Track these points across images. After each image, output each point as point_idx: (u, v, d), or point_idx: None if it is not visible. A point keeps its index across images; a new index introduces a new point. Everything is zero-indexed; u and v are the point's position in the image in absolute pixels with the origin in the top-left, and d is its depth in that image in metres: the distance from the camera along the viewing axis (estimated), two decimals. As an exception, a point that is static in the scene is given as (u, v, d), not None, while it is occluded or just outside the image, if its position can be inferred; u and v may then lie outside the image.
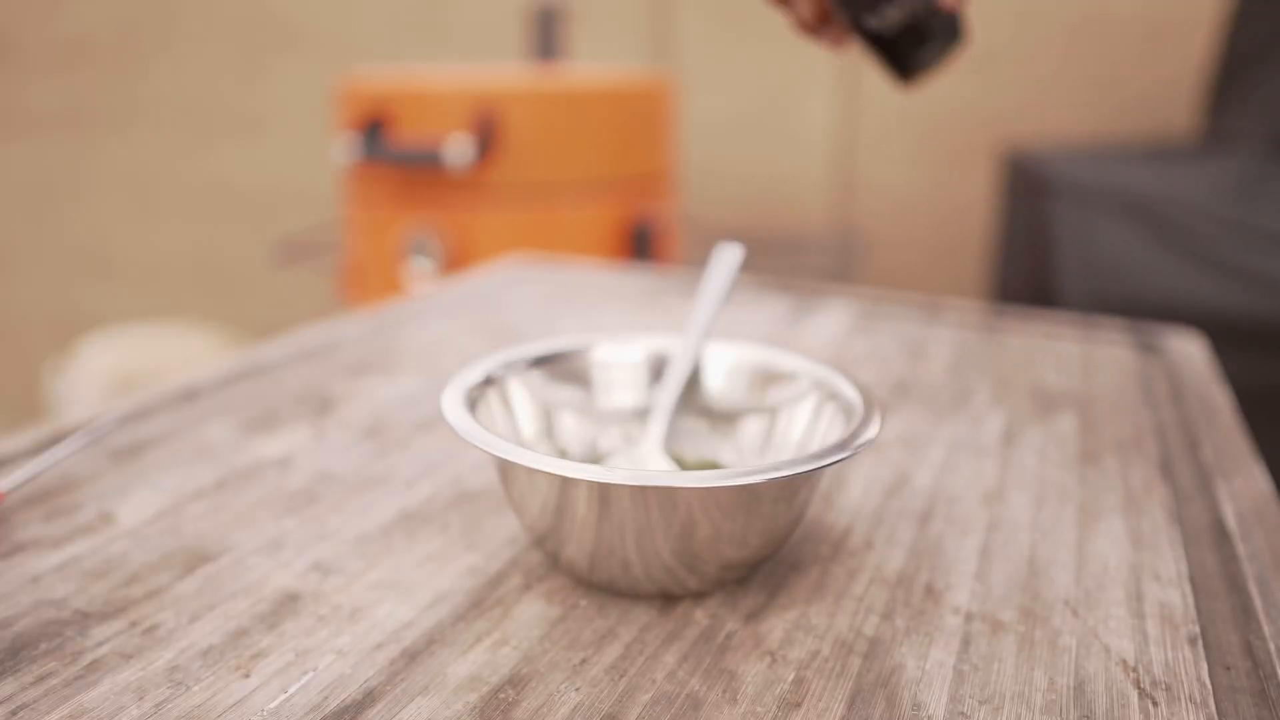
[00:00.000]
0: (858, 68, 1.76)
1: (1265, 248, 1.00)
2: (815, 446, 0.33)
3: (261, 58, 2.04)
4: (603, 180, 1.32)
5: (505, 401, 0.35)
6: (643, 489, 0.26)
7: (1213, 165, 1.23)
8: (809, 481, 0.29)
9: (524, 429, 0.35)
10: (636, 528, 0.27)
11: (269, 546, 0.33)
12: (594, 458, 0.36)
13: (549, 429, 0.36)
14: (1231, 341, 0.95)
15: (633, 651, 0.28)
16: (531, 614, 0.29)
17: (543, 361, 0.37)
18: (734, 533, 0.28)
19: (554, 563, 0.31)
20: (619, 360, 0.38)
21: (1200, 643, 0.28)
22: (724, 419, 0.37)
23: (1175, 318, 0.97)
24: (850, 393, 0.33)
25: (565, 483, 0.27)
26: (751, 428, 0.36)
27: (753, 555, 0.29)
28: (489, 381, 0.34)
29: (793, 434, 0.35)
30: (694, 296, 0.67)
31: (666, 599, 0.30)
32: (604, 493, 0.27)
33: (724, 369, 0.38)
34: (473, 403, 0.32)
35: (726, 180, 1.90)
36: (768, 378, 0.37)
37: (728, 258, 0.41)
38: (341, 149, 1.31)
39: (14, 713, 0.25)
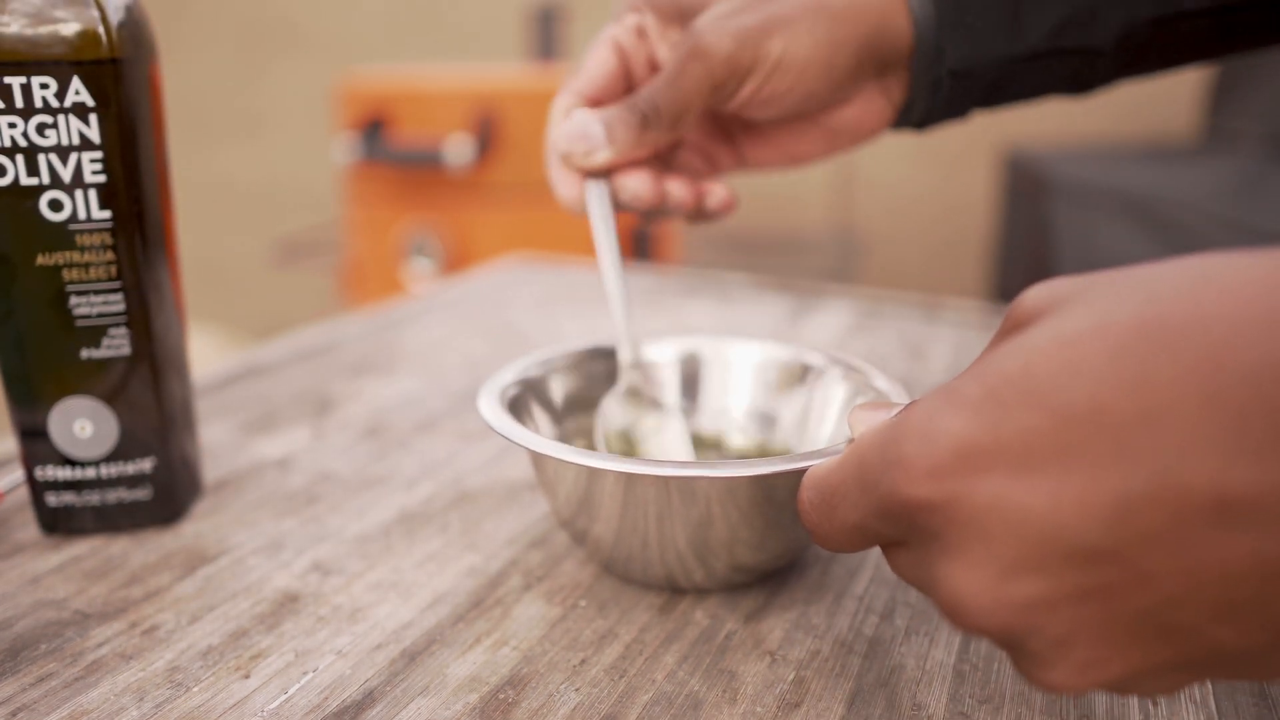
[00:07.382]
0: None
1: (1265, 248, 1.00)
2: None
3: (261, 58, 2.04)
4: (603, 180, 1.32)
5: (538, 397, 0.35)
6: (664, 479, 0.27)
7: (1212, 165, 1.23)
8: None
9: (556, 418, 0.36)
10: (658, 513, 0.28)
11: (269, 547, 0.33)
12: (626, 443, 0.37)
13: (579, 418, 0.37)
14: (1231, 341, 0.95)
15: (633, 652, 0.28)
16: (531, 614, 0.29)
17: (570, 359, 0.37)
18: (753, 518, 0.28)
19: (580, 541, 0.31)
20: (647, 359, 0.39)
21: (1200, 643, 0.28)
22: (755, 417, 0.37)
23: (1175, 317, 0.97)
24: (884, 386, 0.33)
25: (591, 473, 0.28)
26: (784, 424, 0.37)
27: (776, 542, 0.29)
28: (518, 380, 0.35)
29: (823, 431, 0.35)
30: (694, 296, 0.67)
31: (668, 598, 0.30)
32: (628, 482, 0.27)
33: (752, 366, 0.38)
34: (507, 399, 0.33)
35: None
36: (797, 374, 0.37)
37: (597, 192, 0.40)
38: (341, 149, 1.32)
39: (14, 713, 0.25)
